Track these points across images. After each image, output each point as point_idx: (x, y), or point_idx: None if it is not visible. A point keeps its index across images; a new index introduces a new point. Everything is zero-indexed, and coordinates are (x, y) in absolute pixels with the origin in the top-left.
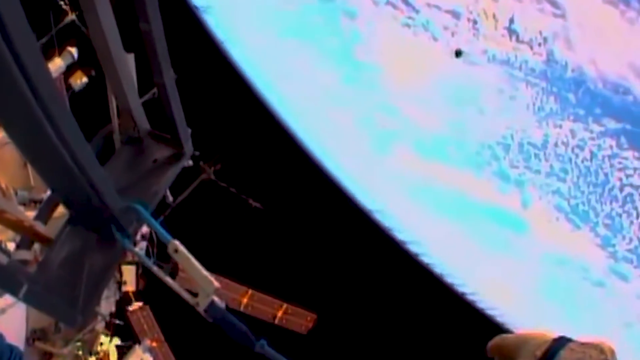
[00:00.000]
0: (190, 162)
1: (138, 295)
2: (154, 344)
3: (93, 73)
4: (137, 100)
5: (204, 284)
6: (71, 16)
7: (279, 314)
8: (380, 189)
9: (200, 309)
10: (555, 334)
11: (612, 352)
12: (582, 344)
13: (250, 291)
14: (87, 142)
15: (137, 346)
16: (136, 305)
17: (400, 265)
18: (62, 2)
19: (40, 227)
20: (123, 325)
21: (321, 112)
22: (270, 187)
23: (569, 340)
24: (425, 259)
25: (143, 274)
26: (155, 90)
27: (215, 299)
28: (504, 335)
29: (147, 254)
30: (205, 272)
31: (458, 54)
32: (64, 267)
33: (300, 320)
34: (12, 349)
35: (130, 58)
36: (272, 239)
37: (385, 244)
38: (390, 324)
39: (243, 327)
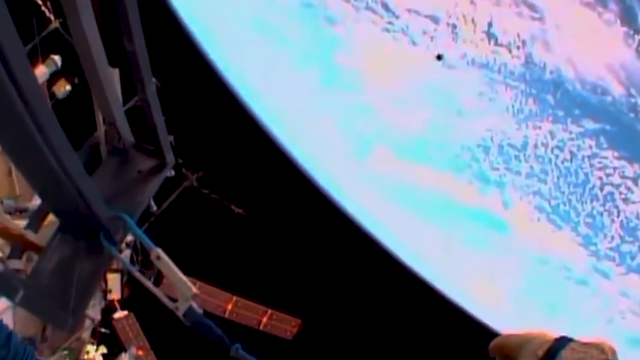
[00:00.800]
0: (173, 172)
1: (123, 303)
2: (140, 352)
3: (76, 81)
4: (121, 113)
5: (183, 290)
6: (55, 24)
7: (264, 319)
8: (361, 191)
9: (179, 313)
10: (556, 333)
11: (614, 352)
12: (584, 343)
13: (234, 298)
14: (75, 152)
15: (123, 354)
16: (121, 313)
17: (384, 268)
18: (45, 10)
19: (31, 235)
20: (109, 334)
21: (302, 115)
22: (252, 192)
23: (570, 340)
24: (407, 260)
25: (128, 282)
26: (137, 98)
27: (193, 304)
28: (506, 335)
29: (132, 261)
30: (184, 278)
31: (439, 57)
32: (55, 273)
33: (285, 325)
34: (25, 347)
35: (115, 72)
36: (256, 244)
37: (368, 247)
38: (374, 327)
39: (219, 330)
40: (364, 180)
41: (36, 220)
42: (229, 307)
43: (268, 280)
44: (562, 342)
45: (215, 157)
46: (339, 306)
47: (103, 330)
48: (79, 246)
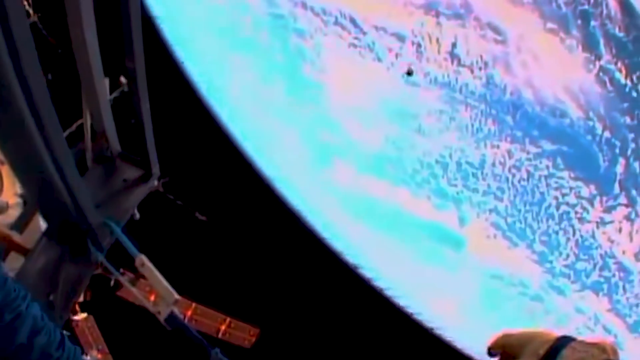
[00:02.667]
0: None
1: (84, 306)
2: (99, 356)
3: (50, 77)
4: (111, 122)
5: (165, 295)
6: (33, 18)
7: (223, 327)
8: (322, 203)
9: (161, 318)
10: (558, 332)
11: (615, 352)
12: (585, 343)
13: (193, 305)
14: (73, 158)
15: (84, 357)
16: (81, 315)
17: (343, 281)
18: (25, 3)
19: (16, 236)
20: (70, 336)
21: (266, 125)
22: (216, 199)
23: (571, 339)
24: (366, 273)
25: (89, 285)
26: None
27: (175, 309)
28: (508, 333)
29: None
30: (167, 284)
31: (409, 73)
32: (40, 276)
33: (244, 334)
34: (75, 347)
35: (106, 82)
36: (218, 252)
37: (328, 259)
38: (332, 339)
39: (199, 336)
40: (324, 192)
41: (22, 221)
42: (188, 313)
43: (228, 289)
44: (564, 341)
45: (179, 163)
46: (298, 317)
47: (64, 332)
48: (65, 251)
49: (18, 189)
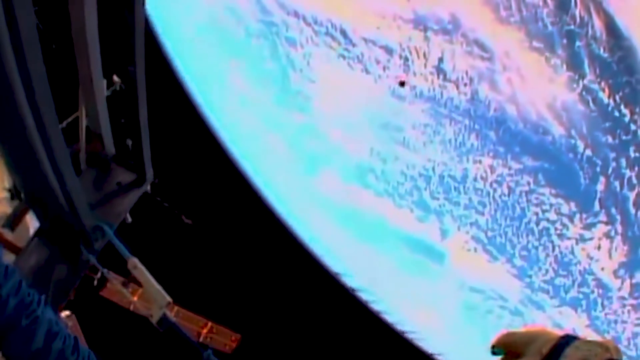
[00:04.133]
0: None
1: (67, 304)
2: None
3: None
4: (107, 125)
5: (158, 298)
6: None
7: (204, 331)
8: (307, 211)
9: (154, 320)
10: (561, 331)
11: (618, 351)
12: (588, 342)
13: (175, 307)
14: (70, 158)
15: None
16: (64, 313)
17: (326, 289)
18: None
19: (7, 234)
20: None
21: (255, 132)
22: (202, 203)
23: (575, 338)
24: (347, 281)
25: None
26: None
27: (167, 312)
28: (511, 331)
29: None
30: (159, 287)
31: (402, 84)
32: (31, 275)
33: (225, 340)
34: (89, 351)
35: (104, 83)
36: (202, 256)
37: (313, 267)
38: (313, 348)
39: (190, 338)
40: (309, 201)
41: (14, 219)
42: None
43: (211, 293)
44: (567, 340)
45: (168, 167)
46: (281, 325)
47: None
48: (56, 251)
49: (7, 183)
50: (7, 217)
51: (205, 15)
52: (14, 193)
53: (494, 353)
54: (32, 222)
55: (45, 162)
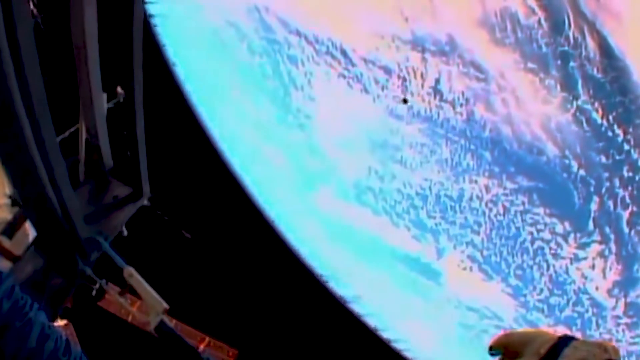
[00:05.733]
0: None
1: (64, 313)
2: None
3: (45, 79)
4: (106, 138)
5: (154, 305)
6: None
7: (201, 346)
8: (305, 228)
9: (151, 327)
10: (559, 332)
11: (616, 351)
12: (587, 342)
13: (174, 321)
14: (66, 170)
15: None
16: (61, 322)
17: (323, 305)
18: (31, 3)
19: (5, 242)
20: None
21: (255, 147)
22: (201, 217)
23: (573, 338)
24: (344, 298)
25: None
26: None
27: (165, 318)
28: (509, 332)
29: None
30: (156, 295)
31: (405, 101)
32: (27, 284)
33: (222, 354)
34: (81, 354)
35: (104, 97)
36: (201, 270)
37: (310, 283)
38: None
39: (188, 343)
40: (307, 217)
41: (12, 227)
42: None
43: (209, 307)
44: (566, 340)
45: (169, 180)
46: (276, 339)
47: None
48: (53, 260)
49: (7, 189)
50: (6, 225)
51: (208, 30)
52: (15, 200)
53: (491, 354)
54: (31, 230)
55: (43, 174)
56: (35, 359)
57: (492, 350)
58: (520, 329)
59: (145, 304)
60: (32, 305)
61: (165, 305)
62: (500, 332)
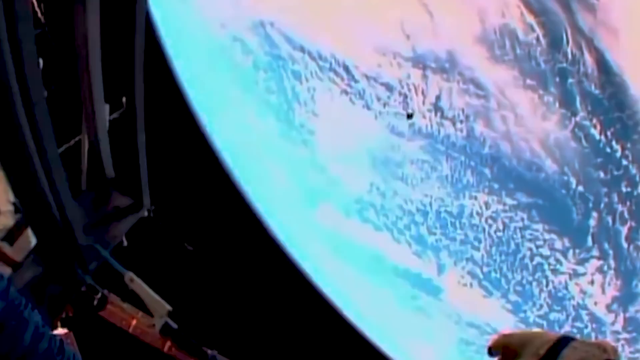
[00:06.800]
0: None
1: (64, 322)
2: None
3: (52, 88)
4: (107, 148)
5: (158, 308)
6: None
7: None
8: (307, 243)
9: (156, 329)
10: (558, 333)
11: (615, 351)
12: (586, 342)
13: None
14: (66, 179)
15: None
16: (61, 331)
17: (326, 320)
18: (38, 10)
19: (6, 248)
20: None
21: (257, 162)
22: (204, 230)
23: (572, 338)
24: (350, 316)
25: (72, 301)
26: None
27: (169, 320)
28: (508, 333)
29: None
30: (158, 297)
31: (410, 116)
32: (26, 291)
33: None
34: (74, 353)
35: (106, 108)
36: (203, 282)
37: (314, 298)
38: None
39: (195, 341)
40: (308, 233)
41: (13, 234)
42: (169, 342)
43: (210, 321)
44: (565, 341)
45: (171, 192)
46: (281, 356)
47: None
48: (52, 268)
49: (11, 196)
50: (7, 231)
51: (214, 44)
52: (17, 206)
53: (490, 354)
54: (33, 238)
55: (44, 182)
56: (30, 357)
57: (491, 350)
58: (519, 330)
59: (147, 310)
60: (26, 305)
61: (168, 307)
62: (499, 333)
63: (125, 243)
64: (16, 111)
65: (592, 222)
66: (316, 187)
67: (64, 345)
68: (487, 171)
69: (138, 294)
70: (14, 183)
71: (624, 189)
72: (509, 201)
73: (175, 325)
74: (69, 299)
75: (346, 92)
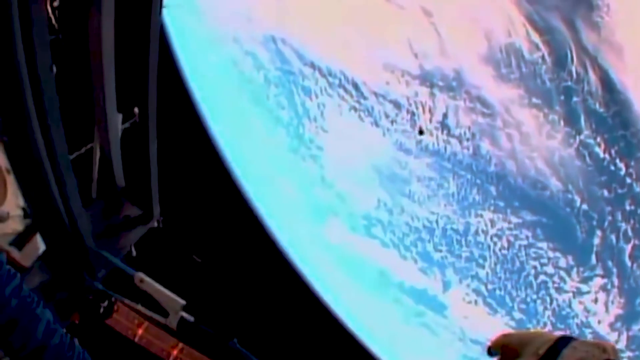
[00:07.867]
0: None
1: (70, 329)
2: None
3: (63, 95)
4: (119, 158)
5: (171, 304)
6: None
7: None
8: (314, 258)
9: (173, 325)
10: (558, 332)
11: (615, 351)
12: (586, 342)
13: (180, 344)
14: (77, 187)
15: None
16: None
17: (333, 334)
18: (52, 17)
19: (15, 253)
20: None
21: (266, 177)
22: (212, 241)
23: (572, 338)
24: (355, 330)
25: (78, 308)
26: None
27: (184, 314)
28: (508, 333)
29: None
30: (170, 294)
31: (421, 132)
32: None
33: None
34: (82, 350)
35: (119, 117)
36: (209, 294)
37: (319, 312)
38: None
39: (212, 332)
40: (316, 248)
41: (22, 239)
42: (174, 352)
43: (219, 334)
44: (564, 340)
45: (181, 204)
46: None
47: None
48: (60, 275)
49: (21, 201)
50: (16, 236)
51: (226, 59)
52: (27, 212)
53: (490, 354)
54: (41, 244)
55: (54, 188)
56: (42, 352)
57: (491, 350)
58: (518, 330)
59: (160, 311)
60: (38, 302)
61: (182, 302)
62: (499, 333)
63: (134, 253)
64: (29, 116)
65: (596, 240)
66: (324, 202)
67: (74, 343)
68: (492, 189)
69: (150, 294)
70: (24, 188)
71: (627, 207)
72: (514, 219)
73: (191, 319)
74: (76, 307)
75: (355, 109)
